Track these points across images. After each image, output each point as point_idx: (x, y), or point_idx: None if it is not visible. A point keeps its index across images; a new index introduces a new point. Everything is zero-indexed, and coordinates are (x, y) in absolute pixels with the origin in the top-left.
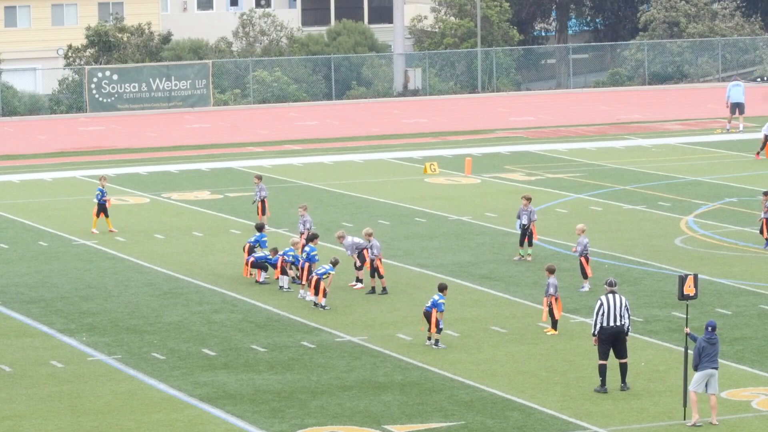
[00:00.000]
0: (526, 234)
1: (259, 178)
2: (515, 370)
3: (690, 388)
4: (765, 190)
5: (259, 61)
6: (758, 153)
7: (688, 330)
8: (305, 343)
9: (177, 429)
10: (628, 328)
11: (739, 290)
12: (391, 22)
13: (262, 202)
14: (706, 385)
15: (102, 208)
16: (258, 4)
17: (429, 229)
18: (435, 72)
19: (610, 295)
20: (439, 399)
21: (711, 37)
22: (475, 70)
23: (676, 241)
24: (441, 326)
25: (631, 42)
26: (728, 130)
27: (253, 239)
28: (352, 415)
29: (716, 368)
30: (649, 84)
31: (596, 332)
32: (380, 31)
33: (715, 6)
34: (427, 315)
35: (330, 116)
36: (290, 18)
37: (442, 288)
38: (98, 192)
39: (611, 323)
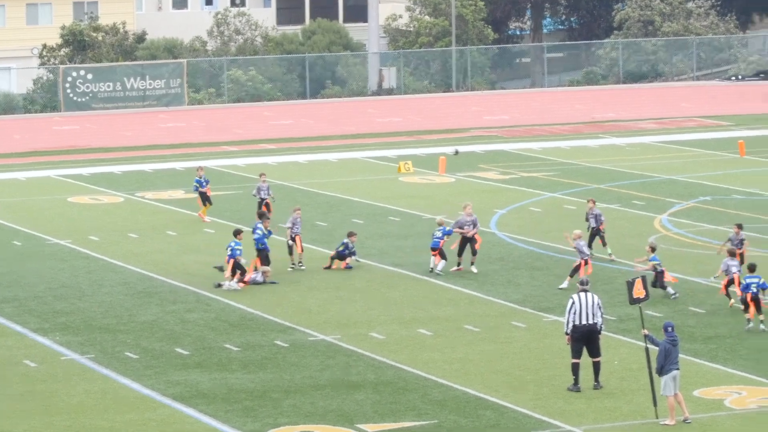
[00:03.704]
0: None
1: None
2: (488, 368)
3: (664, 393)
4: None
5: (234, 60)
6: None
7: (645, 331)
8: (278, 342)
9: (150, 428)
10: (601, 327)
11: (713, 289)
12: (365, 21)
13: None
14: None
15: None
16: (233, 3)
17: (403, 228)
18: (409, 71)
19: (582, 294)
20: (412, 398)
21: (686, 35)
22: (450, 69)
23: (649, 239)
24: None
25: (605, 41)
26: None
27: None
28: (325, 414)
29: (679, 368)
30: (624, 83)
31: (569, 331)
32: (355, 30)
33: (690, 5)
34: None
35: (304, 115)
36: (265, 17)
37: None
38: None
39: (583, 321)
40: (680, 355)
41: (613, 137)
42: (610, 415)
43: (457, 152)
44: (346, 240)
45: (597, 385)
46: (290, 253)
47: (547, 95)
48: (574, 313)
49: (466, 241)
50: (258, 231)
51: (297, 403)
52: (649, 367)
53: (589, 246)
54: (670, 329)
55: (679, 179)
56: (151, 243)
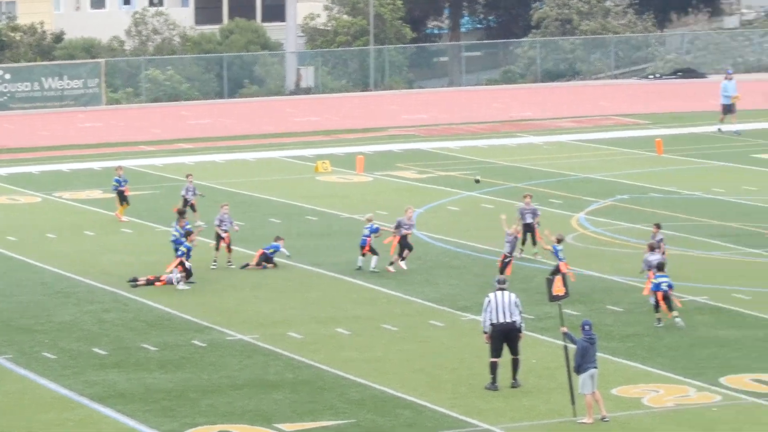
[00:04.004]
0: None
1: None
2: (406, 368)
3: (582, 392)
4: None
5: (152, 60)
6: None
7: (564, 329)
8: (196, 342)
9: (68, 428)
10: (520, 325)
11: (631, 287)
12: (283, 20)
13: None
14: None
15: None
16: (151, 3)
17: (321, 227)
18: (327, 70)
19: (499, 292)
20: (330, 397)
21: (603, 34)
22: (368, 68)
23: (567, 238)
24: None
25: (523, 39)
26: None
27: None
28: (243, 414)
29: (596, 366)
30: (542, 81)
31: (486, 329)
32: (273, 30)
33: (608, 3)
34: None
35: (222, 115)
36: (183, 16)
37: None
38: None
39: (500, 320)
40: (598, 354)
41: (530, 136)
42: (528, 414)
43: (478, 181)
44: (275, 243)
45: (515, 384)
46: (216, 248)
47: (465, 94)
48: (491, 312)
49: (404, 240)
50: (175, 232)
51: (215, 403)
52: (568, 366)
53: (523, 242)
54: (587, 327)
55: (597, 178)
56: (69, 243)
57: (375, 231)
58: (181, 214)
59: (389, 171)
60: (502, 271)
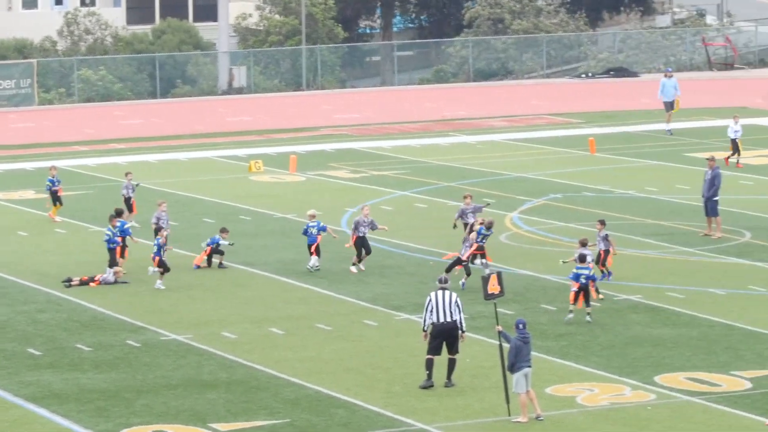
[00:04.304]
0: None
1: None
2: (340, 367)
3: (516, 391)
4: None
5: (84, 60)
6: (728, 159)
7: (499, 328)
8: (130, 342)
9: (2, 429)
10: (461, 325)
11: (564, 286)
12: (215, 20)
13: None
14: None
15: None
16: (83, 3)
17: (254, 227)
18: (260, 70)
19: (440, 292)
20: (265, 397)
21: (536, 33)
22: (300, 67)
23: (500, 237)
24: None
25: (455, 39)
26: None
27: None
28: (178, 414)
29: (530, 366)
30: (474, 81)
31: (425, 328)
32: (205, 30)
33: (540, 2)
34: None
35: (155, 115)
36: (115, 17)
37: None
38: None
39: (440, 319)
40: (532, 353)
41: (463, 135)
42: (463, 413)
43: (488, 204)
44: (215, 237)
45: (448, 383)
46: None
47: (398, 93)
48: (431, 311)
49: (362, 240)
50: (108, 232)
51: (150, 403)
52: (503, 365)
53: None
54: (521, 326)
55: (530, 177)
56: (2, 243)
57: (323, 229)
58: (118, 214)
59: (322, 170)
60: (449, 269)
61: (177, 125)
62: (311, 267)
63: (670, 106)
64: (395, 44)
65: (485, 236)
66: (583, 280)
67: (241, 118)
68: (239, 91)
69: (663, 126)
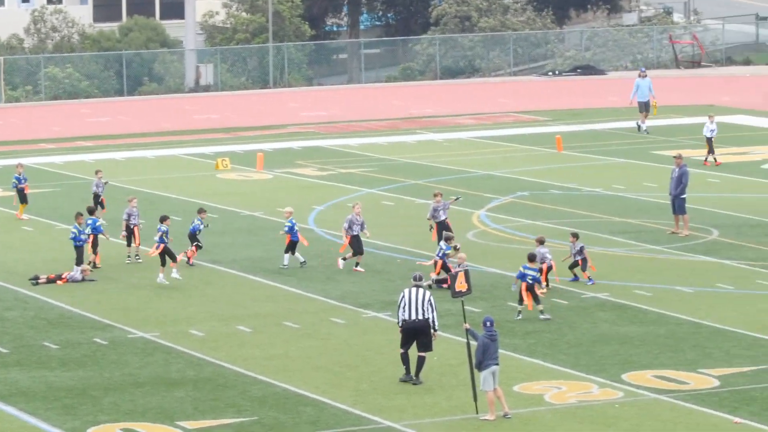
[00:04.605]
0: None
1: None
2: (308, 365)
3: (483, 389)
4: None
5: (51, 58)
6: (706, 160)
7: (467, 325)
8: (97, 340)
9: None
10: (433, 322)
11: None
12: (182, 17)
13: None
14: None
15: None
16: (50, 1)
17: (221, 224)
18: (227, 67)
19: (413, 289)
20: (232, 395)
21: (503, 31)
22: (267, 65)
23: (468, 235)
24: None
25: (422, 36)
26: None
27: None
28: (145, 412)
29: (498, 363)
30: (441, 78)
31: (400, 324)
32: (172, 27)
33: (507, 0)
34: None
35: (122, 112)
36: (82, 14)
37: None
38: (15, 180)
39: (412, 317)
40: (500, 351)
41: (430, 133)
42: (431, 411)
43: (457, 199)
44: (196, 222)
45: (416, 381)
46: (128, 244)
47: (364, 91)
48: (403, 308)
49: (356, 239)
50: (74, 230)
51: (117, 401)
52: (470, 363)
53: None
54: (488, 324)
55: (497, 174)
56: None
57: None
58: (90, 212)
59: (289, 168)
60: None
61: (144, 123)
62: (285, 264)
63: (644, 106)
64: (362, 42)
65: (445, 251)
66: (530, 281)
67: (208, 115)
68: (206, 88)
69: (633, 124)
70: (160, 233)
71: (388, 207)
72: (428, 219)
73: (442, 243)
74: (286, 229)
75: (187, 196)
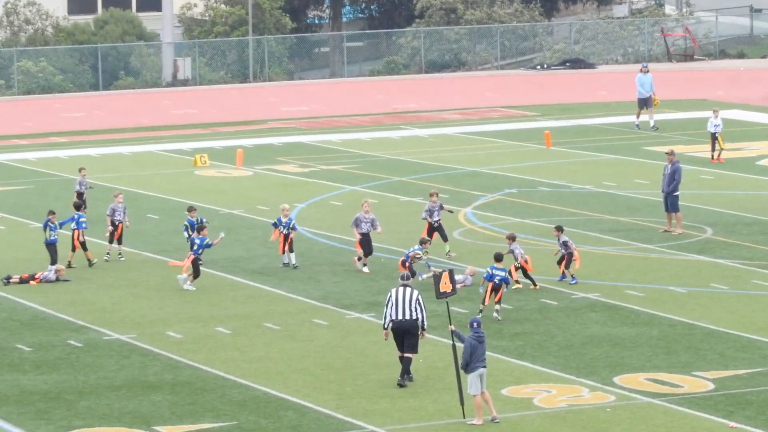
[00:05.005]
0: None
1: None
2: (289, 368)
3: (471, 392)
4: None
5: (24, 51)
6: (713, 157)
7: (452, 327)
8: (72, 342)
9: None
10: (422, 323)
11: (520, 283)
12: (159, 10)
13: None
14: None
15: None
16: None
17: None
18: (205, 61)
19: (401, 288)
20: (211, 399)
21: (489, 23)
22: (247, 59)
23: (454, 233)
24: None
25: (407, 29)
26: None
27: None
28: (121, 416)
29: (485, 366)
30: (426, 72)
31: (386, 325)
32: (149, 20)
33: None
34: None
35: (97, 107)
36: (56, 6)
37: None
38: None
39: (400, 317)
40: (487, 353)
41: (415, 128)
42: (416, 415)
43: (451, 211)
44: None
45: (401, 382)
46: (110, 241)
47: (347, 85)
48: (391, 308)
49: (365, 238)
50: (50, 230)
51: (92, 405)
52: (456, 365)
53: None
54: (476, 325)
55: (484, 171)
56: None
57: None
58: (77, 207)
59: (270, 165)
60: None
61: (120, 118)
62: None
63: (644, 102)
64: (345, 35)
65: (414, 255)
66: (497, 281)
67: (186, 110)
68: (184, 83)
69: (623, 119)
70: (194, 245)
71: (372, 204)
72: (429, 220)
73: (417, 245)
74: (288, 226)
75: (164, 193)
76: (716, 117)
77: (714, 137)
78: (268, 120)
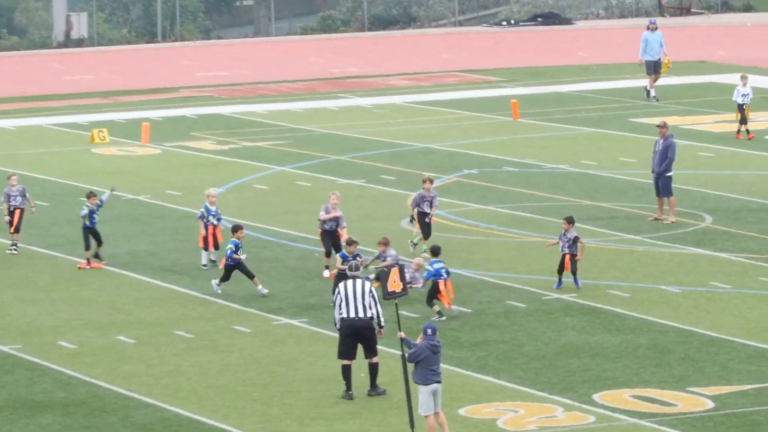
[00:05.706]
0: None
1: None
2: (205, 384)
3: (422, 413)
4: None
5: None
6: (739, 132)
7: (402, 334)
8: None
9: None
10: (379, 319)
11: (482, 283)
12: None
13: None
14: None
15: None
16: None
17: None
18: (104, 17)
19: (349, 282)
20: (112, 421)
21: None
22: (154, 14)
23: (402, 222)
24: None
25: None
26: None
27: None
28: None
29: (440, 381)
30: (369, 30)
31: (338, 326)
32: None
33: None
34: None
35: None
36: None
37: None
38: None
39: (352, 314)
40: (442, 365)
41: (356, 97)
42: None
43: (412, 219)
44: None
45: (372, 392)
46: (11, 230)
47: (275, 46)
48: (340, 305)
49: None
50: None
51: None
52: (406, 380)
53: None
54: (430, 332)
55: (438, 148)
56: None
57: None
58: None
59: (182, 141)
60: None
61: (3, 85)
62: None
63: (654, 66)
64: None
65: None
66: (445, 274)
67: (81, 76)
68: (79, 43)
69: (604, 85)
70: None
71: (304, 188)
72: (412, 209)
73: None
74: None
75: (55, 176)
76: (744, 85)
77: (741, 108)
78: (180, 87)
